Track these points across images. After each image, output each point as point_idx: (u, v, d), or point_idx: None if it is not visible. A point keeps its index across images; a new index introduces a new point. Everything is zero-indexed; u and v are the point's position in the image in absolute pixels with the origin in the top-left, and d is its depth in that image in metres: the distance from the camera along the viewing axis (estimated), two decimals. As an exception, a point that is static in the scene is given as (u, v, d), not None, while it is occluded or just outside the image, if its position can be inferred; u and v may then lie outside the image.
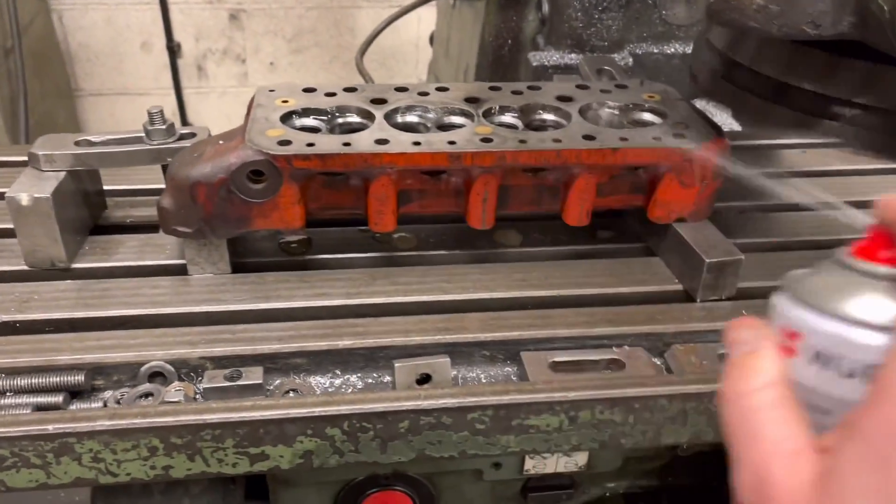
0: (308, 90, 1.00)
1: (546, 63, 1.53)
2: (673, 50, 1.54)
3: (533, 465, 0.94)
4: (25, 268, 0.93)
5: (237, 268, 0.96)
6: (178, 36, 3.36)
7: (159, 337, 0.84)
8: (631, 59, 1.53)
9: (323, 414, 0.75)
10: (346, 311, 0.90)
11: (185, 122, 3.53)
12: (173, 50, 3.36)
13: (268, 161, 0.85)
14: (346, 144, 0.87)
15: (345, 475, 0.93)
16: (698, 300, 0.92)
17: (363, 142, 0.87)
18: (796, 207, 1.13)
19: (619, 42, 1.53)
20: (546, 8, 1.57)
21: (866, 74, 0.78)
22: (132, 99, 3.49)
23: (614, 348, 0.88)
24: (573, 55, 1.53)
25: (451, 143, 0.88)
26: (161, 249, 0.97)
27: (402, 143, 0.88)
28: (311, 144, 0.86)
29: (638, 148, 0.89)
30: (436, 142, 0.88)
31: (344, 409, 0.75)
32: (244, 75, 3.51)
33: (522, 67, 1.63)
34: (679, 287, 0.95)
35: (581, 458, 0.96)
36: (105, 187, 1.06)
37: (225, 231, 0.90)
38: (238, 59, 3.47)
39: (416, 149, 0.87)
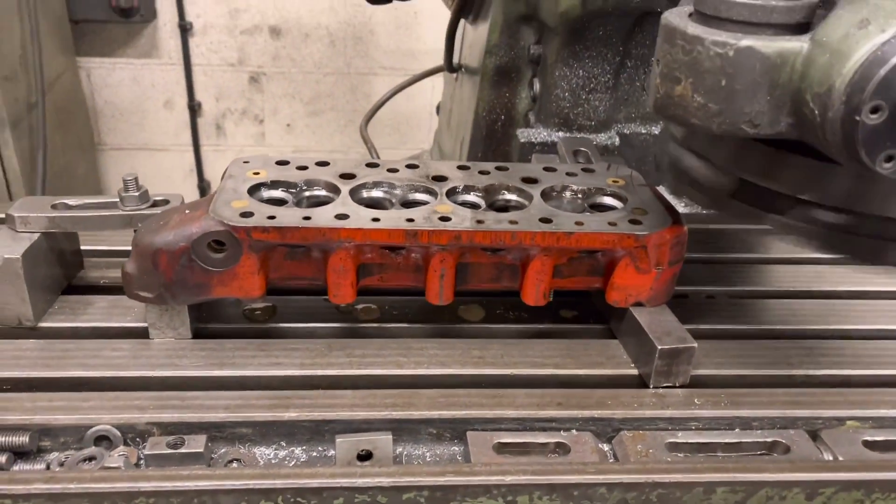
0: (281, 163, 1.03)
1: (533, 140, 1.56)
2: (659, 130, 1.56)
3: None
4: (-7, 324, 0.95)
5: (199, 333, 0.98)
6: (199, 95, 3.47)
7: (110, 401, 0.85)
8: (618, 139, 1.56)
9: (258, 487, 0.75)
10: (298, 382, 0.91)
11: (201, 178, 3.62)
12: (194, 109, 3.48)
13: (228, 232, 0.88)
14: (307, 218, 0.89)
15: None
16: (651, 387, 0.92)
17: (323, 216, 0.90)
18: (765, 294, 1.13)
19: (606, 122, 1.56)
20: (537, 87, 1.61)
21: (810, 171, 0.80)
22: (152, 154, 3.59)
23: (562, 432, 0.87)
24: (560, 133, 1.56)
25: (410, 220, 0.90)
26: (128, 312, 0.99)
27: (361, 218, 0.90)
28: (271, 217, 0.89)
29: (592, 233, 0.90)
30: (394, 218, 0.90)
31: (279, 483, 0.75)
32: (261, 135, 3.60)
33: (514, 142, 1.67)
34: (634, 372, 0.95)
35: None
36: (84, 247, 1.09)
37: (185, 298, 0.92)
38: (256, 119, 3.57)
39: (374, 225, 0.89)
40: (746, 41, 0.71)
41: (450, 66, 1.83)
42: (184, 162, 3.61)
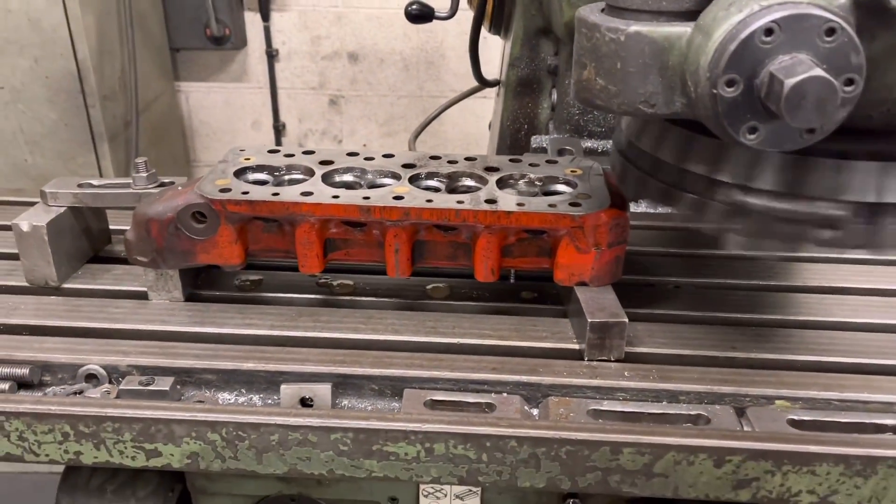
0: (272, 151, 1.16)
1: (544, 145, 1.63)
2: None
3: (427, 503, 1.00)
4: (25, 284, 1.12)
5: (192, 297, 1.11)
6: (283, 117, 3.73)
7: (101, 346, 0.99)
8: (627, 145, 1.60)
9: (204, 419, 0.86)
10: (266, 340, 1.02)
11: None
12: (279, 129, 3.73)
13: (207, 204, 1.01)
14: (275, 194, 1.01)
15: (256, 491, 1.03)
16: (585, 359, 0.97)
17: (290, 193, 1.01)
18: (733, 287, 1.15)
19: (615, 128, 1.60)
20: (555, 96, 1.68)
21: (717, 150, 0.84)
22: (241, 171, 3.86)
23: (493, 394, 0.94)
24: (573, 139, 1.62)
25: (366, 198, 1.00)
26: (137, 279, 1.14)
27: (323, 195, 1.01)
28: (245, 192, 1.01)
29: (531, 212, 0.97)
30: (353, 196, 1.01)
31: (222, 417, 0.86)
32: (340, 155, 3.81)
33: (530, 148, 1.74)
34: (575, 346, 1.00)
35: (473, 500, 1.01)
36: (113, 226, 1.26)
37: (174, 262, 1.05)
38: (335, 139, 3.78)
39: (332, 201, 1.00)
40: (635, 27, 0.78)
41: (479, 79, 1.93)
42: (269, 179, 3.87)
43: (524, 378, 0.94)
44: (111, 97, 2.84)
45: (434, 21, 2.03)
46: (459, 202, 0.99)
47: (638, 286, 1.14)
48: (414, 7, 1.99)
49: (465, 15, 1.92)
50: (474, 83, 3.56)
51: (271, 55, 3.56)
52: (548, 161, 1.14)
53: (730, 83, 0.70)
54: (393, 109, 3.69)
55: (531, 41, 1.69)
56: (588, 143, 1.60)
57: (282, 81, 3.64)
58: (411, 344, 1.01)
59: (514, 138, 1.81)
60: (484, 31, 1.87)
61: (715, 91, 0.70)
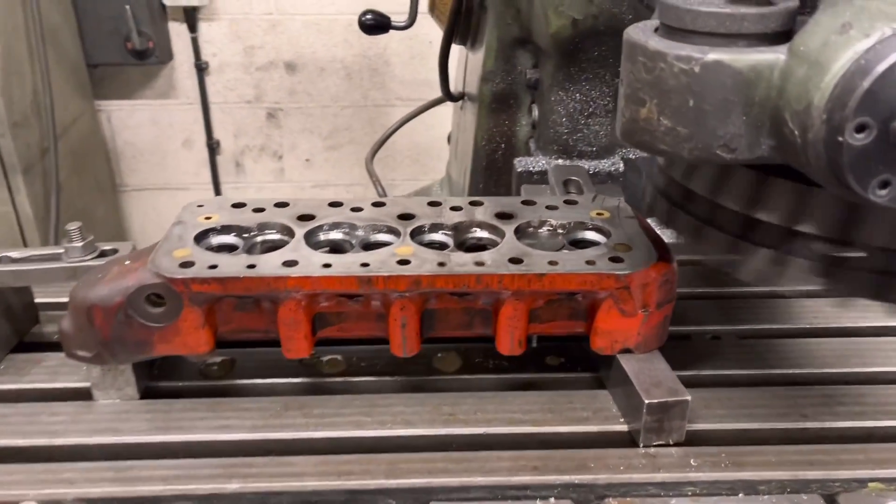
0: (237, 205, 0.96)
1: (531, 169, 1.47)
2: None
3: None
4: (-67, 388, 0.89)
5: (149, 392, 0.90)
6: (217, 133, 3.47)
7: (38, 474, 0.78)
8: (622, 164, 1.46)
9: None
10: (249, 447, 0.83)
11: (222, 216, 3.60)
12: (213, 147, 3.47)
13: (166, 284, 0.81)
14: (251, 266, 0.82)
15: None
16: (641, 445, 0.81)
17: (270, 264, 0.82)
18: (777, 333, 1.02)
19: (609, 147, 1.46)
20: (536, 113, 1.53)
21: (798, 197, 0.69)
22: (173, 194, 3.59)
23: (538, 501, 0.77)
24: (560, 161, 1.47)
25: (364, 265, 0.82)
26: (76, 371, 0.92)
27: (311, 264, 0.82)
28: (213, 266, 0.81)
29: (567, 273, 0.81)
30: (348, 264, 0.82)
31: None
32: (281, 171, 3.58)
33: (515, 172, 1.58)
34: (623, 428, 0.84)
35: None
36: (40, 300, 1.04)
37: (126, 356, 0.85)
38: (275, 155, 3.55)
39: (324, 272, 0.81)
40: (713, 55, 0.62)
41: (447, 94, 1.76)
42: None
43: (574, 478, 0.78)
44: (23, 123, 2.54)
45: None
46: (479, 263, 0.82)
47: (672, 338, 0.99)
48: (368, 17, 1.80)
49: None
50: (421, 90, 3.39)
51: (201, 68, 3.30)
52: (566, 201, 0.97)
53: (860, 128, 0.55)
54: (336, 121, 3.48)
55: (506, 53, 1.53)
56: (577, 164, 1.45)
57: (214, 96, 3.39)
58: (430, 440, 0.83)
59: (490, 160, 1.65)
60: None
61: (841, 139, 0.55)
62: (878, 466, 0.79)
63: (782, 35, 0.64)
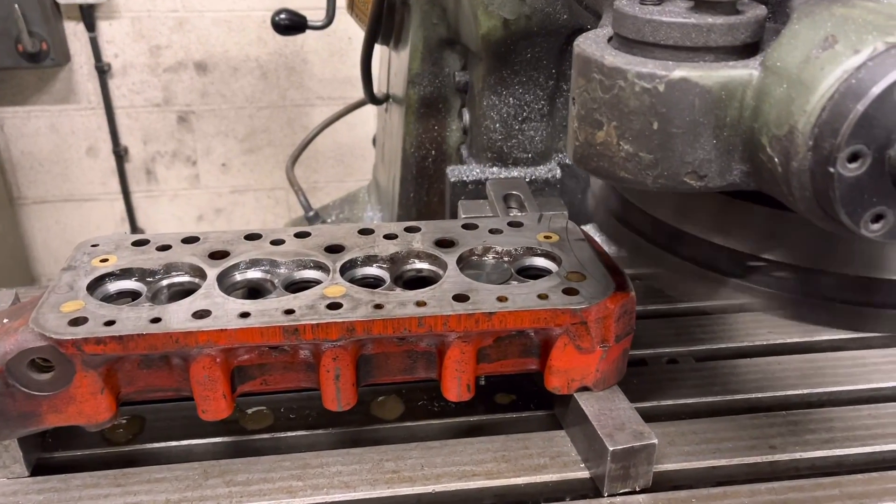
0: (139, 243, 0.84)
1: (465, 178, 1.39)
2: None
3: None
4: None
5: (42, 466, 0.78)
6: (124, 140, 3.26)
7: None
8: (559, 171, 1.39)
9: None
10: (162, 528, 0.71)
11: (134, 228, 3.39)
12: (120, 154, 3.26)
13: (52, 347, 0.68)
14: (156, 321, 0.70)
15: None
16: (605, 494, 0.74)
17: (178, 316, 0.71)
18: (736, 353, 0.97)
19: (545, 153, 1.39)
20: (467, 118, 1.44)
21: (769, 223, 0.63)
22: (79, 205, 3.36)
23: (497, 569, 0.69)
24: (495, 168, 1.39)
25: (289, 311, 0.72)
26: (-48, 444, 0.79)
27: (225, 314, 0.71)
28: (110, 322, 0.70)
29: (518, 311, 0.73)
30: (270, 311, 0.72)
31: None
32: (196, 177, 3.39)
33: (447, 181, 1.50)
34: (585, 474, 0.77)
35: None
36: None
37: (9, 431, 0.72)
38: (189, 161, 3.36)
39: (242, 323, 0.70)
40: (679, 72, 0.55)
41: (371, 98, 1.65)
42: (114, 211, 3.37)
43: (537, 540, 0.70)
44: None
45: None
46: (420, 304, 0.73)
47: (628, 364, 0.93)
48: (283, 17, 1.69)
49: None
50: (342, 88, 3.26)
51: (102, 70, 3.08)
52: (510, 223, 0.89)
53: (853, 157, 0.48)
54: (253, 122, 3.31)
55: (433, 55, 1.44)
56: (515, 173, 1.37)
57: (118, 100, 3.17)
58: (373, 503, 0.74)
59: (420, 167, 1.56)
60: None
61: (831, 169, 0.49)
62: (854, 502, 0.74)
63: (752, 47, 0.57)
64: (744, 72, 0.55)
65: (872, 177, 0.49)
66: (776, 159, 0.52)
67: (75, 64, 3.08)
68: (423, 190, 1.58)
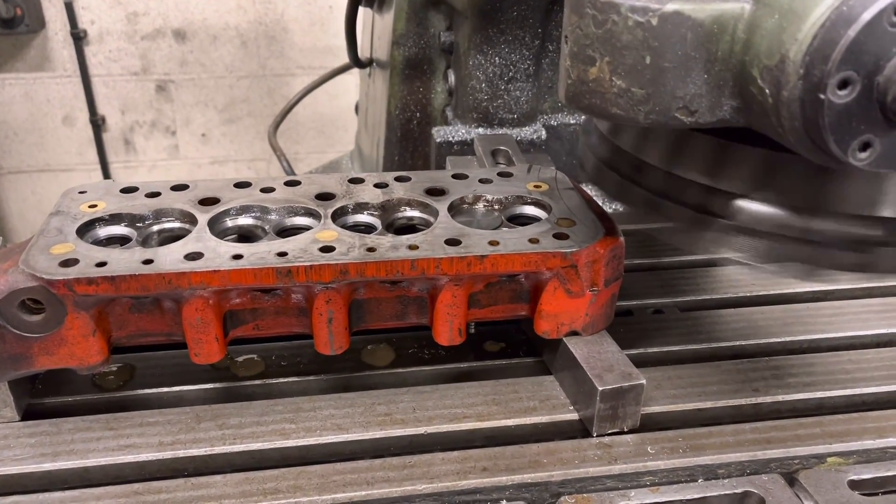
0: (127, 190, 0.83)
1: (451, 139, 1.39)
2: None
3: None
4: None
5: (32, 411, 0.78)
6: (102, 109, 3.21)
7: None
8: (544, 132, 1.40)
9: None
10: (156, 468, 0.72)
11: (112, 198, 3.34)
12: (97, 124, 3.21)
13: (43, 287, 0.68)
14: (148, 262, 0.70)
15: None
16: (594, 434, 0.76)
17: (170, 257, 0.71)
18: (720, 304, 0.98)
19: (530, 114, 1.39)
20: (452, 79, 1.44)
21: (762, 164, 0.64)
22: (55, 175, 3.31)
23: (489, 505, 0.70)
24: (480, 129, 1.39)
25: (281, 254, 0.72)
26: (-60, 391, 0.78)
27: (218, 256, 0.71)
28: (101, 264, 0.69)
29: (510, 254, 0.73)
30: (262, 253, 0.72)
31: None
32: (175, 147, 3.35)
33: (432, 142, 1.50)
34: (574, 416, 0.78)
35: None
36: None
37: (0, 374, 0.72)
38: (168, 131, 3.32)
39: (234, 264, 0.70)
40: (672, 5, 0.55)
41: (356, 61, 1.64)
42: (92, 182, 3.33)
43: (526, 476, 0.71)
44: None
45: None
46: (413, 247, 0.74)
47: (615, 315, 0.94)
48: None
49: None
50: (323, 58, 3.23)
51: (78, 37, 3.02)
52: (500, 174, 0.90)
53: (843, 84, 0.49)
54: (233, 92, 3.28)
55: (418, 15, 1.43)
56: (502, 132, 1.38)
57: (95, 68, 3.11)
58: (365, 445, 0.75)
59: (405, 130, 1.55)
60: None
61: (822, 96, 0.49)
62: (834, 440, 0.76)
63: (747, -18, 0.58)
64: (736, 5, 0.55)
65: (861, 104, 0.50)
66: (767, 90, 0.53)
67: (50, 30, 3.02)
68: (408, 153, 1.58)
